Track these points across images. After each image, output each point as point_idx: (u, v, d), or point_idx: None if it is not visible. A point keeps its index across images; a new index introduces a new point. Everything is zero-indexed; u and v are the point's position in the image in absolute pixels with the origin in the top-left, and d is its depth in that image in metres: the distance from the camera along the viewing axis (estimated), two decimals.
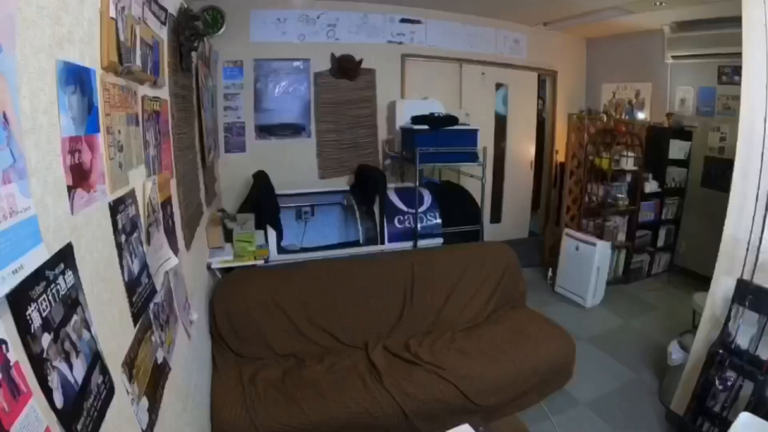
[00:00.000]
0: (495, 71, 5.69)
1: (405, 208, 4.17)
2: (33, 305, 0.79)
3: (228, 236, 3.26)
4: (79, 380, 0.93)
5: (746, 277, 2.38)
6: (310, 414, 2.36)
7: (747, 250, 2.39)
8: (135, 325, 1.31)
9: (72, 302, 0.93)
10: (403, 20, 5.07)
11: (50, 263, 0.85)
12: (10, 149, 0.75)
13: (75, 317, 0.94)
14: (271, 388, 2.53)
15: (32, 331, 0.79)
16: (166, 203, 1.84)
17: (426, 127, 4.13)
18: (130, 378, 1.22)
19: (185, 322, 2.00)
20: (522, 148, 6.27)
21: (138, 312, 1.33)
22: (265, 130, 4.71)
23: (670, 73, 5.41)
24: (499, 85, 5.94)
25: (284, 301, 2.98)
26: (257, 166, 4.19)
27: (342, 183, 4.92)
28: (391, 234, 4.04)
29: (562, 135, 6.02)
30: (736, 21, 2.43)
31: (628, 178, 4.99)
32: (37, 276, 0.81)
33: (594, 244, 4.41)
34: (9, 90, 0.76)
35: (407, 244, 4.04)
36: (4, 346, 0.71)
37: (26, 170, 0.80)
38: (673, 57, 5.26)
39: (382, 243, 4.00)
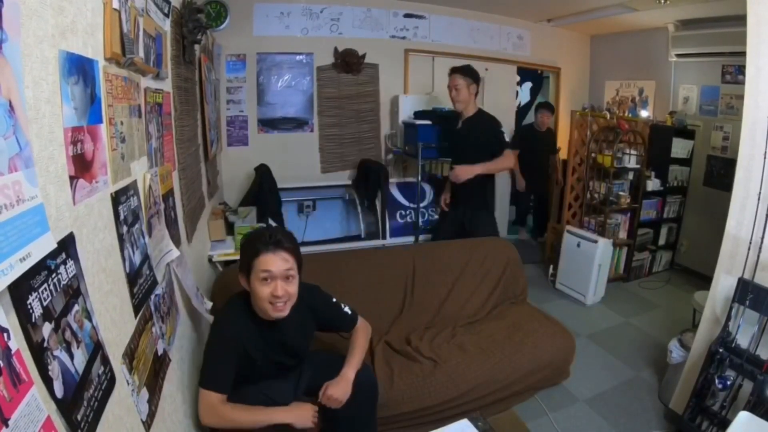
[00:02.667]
0: (499, 67, 5.68)
1: (407, 203, 4.18)
2: (34, 294, 0.80)
3: (230, 229, 3.27)
4: (80, 370, 0.93)
5: (747, 276, 2.37)
6: None
7: (748, 249, 2.38)
8: (136, 316, 1.31)
9: (73, 292, 0.94)
10: (406, 15, 5.06)
11: (52, 253, 0.86)
12: (16, 137, 0.75)
13: (76, 307, 0.94)
14: None
15: (33, 320, 0.79)
16: (168, 195, 1.84)
17: (429, 122, 4.13)
18: (131, 369, 1.22)
19: (201, 310, 2.01)
20: None
21: (139, 303, 1.34)
22: (268, 124, 4.71)
23: (674, 71, 5.38)
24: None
25: None
26: (259, 159, 4.20)
27: (344, 177, 4.92)
28: (393, 228, 4.04)
29: (564, 132, 6.01)
30: (741, 19, 2.42)
31: (631, 175, 4.97)
32: (39, 265, 0.81)
33: (595, 242, 4.41)
34: (15, 79, 0.76)
35: (408, 239, 4.04)
36: (5, 335, 0.71)
37: (32, 159, 0.80)
38: (677, 55, 5.23)
39: (384, 237, 4.01)
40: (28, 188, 0.78)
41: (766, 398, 2.12)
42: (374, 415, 2.14)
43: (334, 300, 2.17)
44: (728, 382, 2.32)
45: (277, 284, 1.75)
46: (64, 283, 0.90)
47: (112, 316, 1.15)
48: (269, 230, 1.92)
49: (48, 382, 0.81)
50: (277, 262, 1.75)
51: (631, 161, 4.81)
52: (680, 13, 4.77)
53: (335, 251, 3.58)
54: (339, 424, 2.02)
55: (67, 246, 0.93)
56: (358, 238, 4.29)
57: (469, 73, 3.52)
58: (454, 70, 3.54)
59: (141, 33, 1.46)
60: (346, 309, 2.18)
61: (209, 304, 2.15)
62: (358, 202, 4.48)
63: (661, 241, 5.32)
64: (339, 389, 1.91)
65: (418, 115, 4.29)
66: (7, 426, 0.67)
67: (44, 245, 0.82)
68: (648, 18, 4.99)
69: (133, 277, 1.30)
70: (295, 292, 1.83)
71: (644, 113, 5.50)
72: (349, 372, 1.98)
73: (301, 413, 1.81)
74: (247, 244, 1.84)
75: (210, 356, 1.83)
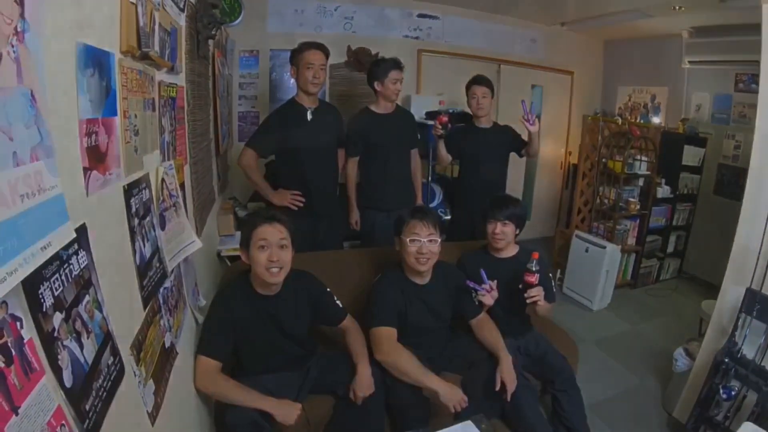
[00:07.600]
0: (510, 70, 5.67)
1: None
2: (45, 284, 0.81)
3: (239, 225, 3.27)
4: (89, 360, 0.94)
5: (755, 287, 2.36)
6: None
7: (757, 259, 2.37)
8: (144, 309, 1.32)
9: (84, 283, 0.94)
10: (420, 15, 5.06)
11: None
12: (38, 127, 0.76)
13: (87, 297, 0.95)
14: None
15: (44, 309, 0.80)
16: (180, 188, 1.85)
17: None
18: (138, 361, 1.23)
19: (194, 307, 2.02)
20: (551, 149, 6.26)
21: (148, 296, 1.35)
22: None
23: (687, 79, 5.35)
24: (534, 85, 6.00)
25: None
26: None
27: None
28: None
29: (575, 136, 5.99)
30: (756, 28, 2.40)
31: (641, 182, 4.95)
32: (51, 255, 0.82)
33: (604, 247, 4.39)
34: (37, 69, 0.76)
35: None
36: (18, 323, 0.72)
37: (53, 149, 0.81)
38: (691, 62, 5.20)
39: None
40: (48, 178, 0.78)
41: None
42: (383, 407, 2.24)
43: (328, 290, 2.35)
44: (733, 393, 2.30)
45: (272, 251, 1.96)
46: (76, 273, 0.91)
47: (121, 307, 1.15)
48: (265, 209, 2.25)
49: (57, 371, 0.82)
50: (272, 231, 1.98)
51: (641, 167, 4.78)
52: (694, 20, 4.74)
53: (341, 250, 3.58)
54: (350, 415, 2.15)
55: (79, 237, 0.93)
56: None
57: (491, 86, 3.51)
58: (480, 82, 3.47)
59: (157, 27, 1.47)
60: (338, 302, 2.36)
61: (203, 302, 2.17)
62: None
63: (670, 249, 5.29)
64: (363, 387, 2.09)
65: (430, 115, 4.28)
66: (17, 414, 0.68)
67: (64, 235, 0.83)
68: (662, 24, 4.96)
69: (143, 270, 1.31)
70: (289, 261, 2.03)
71: (656, 120, 5.48)
72: (365, 368, 2.13)
73: (286, 409, 1.88)
74: (247, 221, 2.13)
75: (206, 326, 2.01)
